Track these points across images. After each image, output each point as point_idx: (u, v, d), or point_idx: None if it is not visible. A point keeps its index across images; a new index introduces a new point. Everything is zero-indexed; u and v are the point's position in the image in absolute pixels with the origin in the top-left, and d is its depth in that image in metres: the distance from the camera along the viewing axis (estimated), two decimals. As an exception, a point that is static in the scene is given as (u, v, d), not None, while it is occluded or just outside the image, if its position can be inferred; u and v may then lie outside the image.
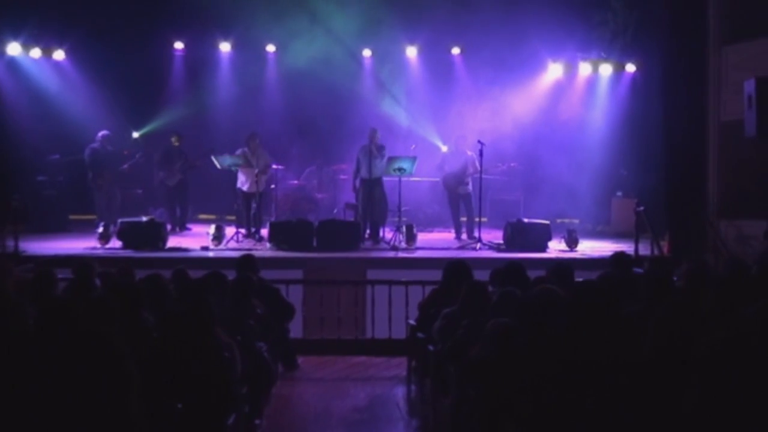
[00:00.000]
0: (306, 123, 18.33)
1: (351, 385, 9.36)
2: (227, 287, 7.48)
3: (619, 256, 9.03)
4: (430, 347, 7.52)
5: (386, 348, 10.71)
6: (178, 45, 18.48)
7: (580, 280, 7.84)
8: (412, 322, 9.14)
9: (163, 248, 13.68)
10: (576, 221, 16.97)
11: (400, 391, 9.11)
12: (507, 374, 5.07)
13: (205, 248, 13.74)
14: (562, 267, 8.17)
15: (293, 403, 8.60)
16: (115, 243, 13.61)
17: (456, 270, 8.30)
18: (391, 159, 14.50)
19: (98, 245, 13.56)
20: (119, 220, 14.06)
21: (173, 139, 16.48)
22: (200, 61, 18.64)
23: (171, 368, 5.08)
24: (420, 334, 8.26)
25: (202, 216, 18.40)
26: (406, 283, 10.93)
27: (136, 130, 18.54)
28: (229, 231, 14.47)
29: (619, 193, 17.36)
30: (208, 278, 7.47)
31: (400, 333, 10.56)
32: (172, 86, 18.81)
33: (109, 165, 16.20)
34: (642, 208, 13.33)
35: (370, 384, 9.41)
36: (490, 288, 7.56)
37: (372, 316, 11.11)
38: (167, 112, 18.36)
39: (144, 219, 14.06)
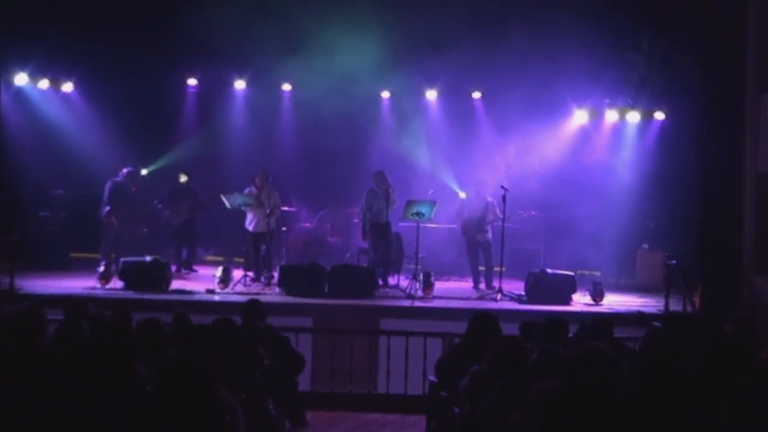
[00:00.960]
0: (321, 164, 17.78)
1: (363, 447, 8.60)
2: (235, 335, 6.74)
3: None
4: (456, 409, 6.76)
5: (401, 405, 10.00)
6: (192, 81, 17.96)
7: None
8: (432, 378, 8.38)
9: (166, 290, 13.09)
10: (597, 273, 16.21)
11: (418, 455, 8.33)
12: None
13: (210, 291, 13.11)
14: (603, 322, 7.43)
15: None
16: (117, 283, 13.05)
17: (483, 323, 7.56)
18: (410, 203, 13.95)
19: (98, 285, 12.97)
20: (122, 260, 13.39)
21: (181, 177, 15.93)
22: (214, 98, 18.12)
23: (164, 430, 4.35)
24: (442, 393, 7.50)
25: (210, 258, 17.70)
26: (425, 335, 10.23)
27: (145, 166, 17.78)
28: (237, 274, 13.82)
29: (646, 246, 16.65)
30: (215, 325, 6.74)
31: (416, 389, 9.98)
32: (184, 123, 18.29)
33: (128, 202, 15.55)
34: (674, 261, 12.63)
35: (384, 446, 8.65)
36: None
37: (386, 369, 10.35)
38: (178, 149, 17.76)
39: (148, 258, 13.34)
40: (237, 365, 6.32)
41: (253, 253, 14.41)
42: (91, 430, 4.68)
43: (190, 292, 13.07)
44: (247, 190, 14.25)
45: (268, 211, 14.03)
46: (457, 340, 8.47)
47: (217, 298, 12.80)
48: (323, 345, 10.77)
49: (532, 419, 4.62)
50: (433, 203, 13.96)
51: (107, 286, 12.91)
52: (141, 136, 17.21)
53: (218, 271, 13.38)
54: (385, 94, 18.10)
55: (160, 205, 15.89)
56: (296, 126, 18.05)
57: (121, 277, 12.95)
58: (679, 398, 4.16)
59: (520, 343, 6.35)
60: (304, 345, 10.21)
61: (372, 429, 9.31)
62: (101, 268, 13.07)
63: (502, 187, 13.58)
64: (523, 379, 5.46)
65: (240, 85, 17.93)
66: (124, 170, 15.41)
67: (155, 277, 13.04)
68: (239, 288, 13.40)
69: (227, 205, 14.14)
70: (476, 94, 18.06)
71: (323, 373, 10.49)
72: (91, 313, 7.27)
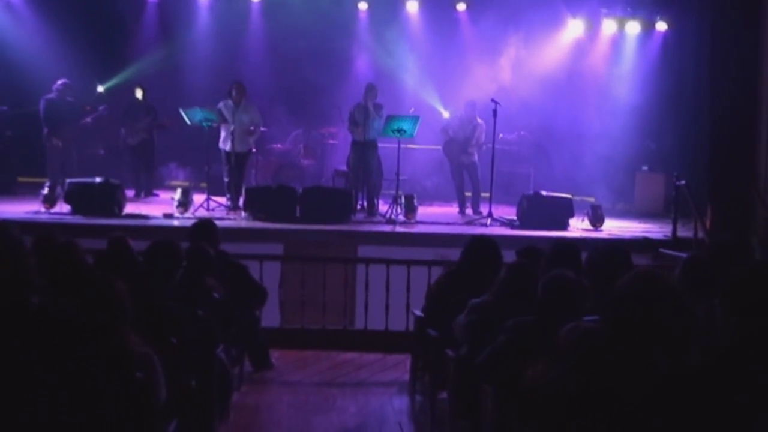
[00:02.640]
0: (292, 81, 16.66)
1: (338, 393, 7.34)
2: (174, 263, 5.40)
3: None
4: (449, 352, 5.50)
5: (381, 342, 8.79)
6: (152, -10, 16.69)
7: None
8: (417, 312, 7.14)
9: (118, 215, 11.75)
10: (591, 199, 15.02)
11: (401, 403, 7.11)
12: (598, 408, 3.10)
13: (168, 216, 11.81)
14: (619, 248, 6.12)
15: (260, 420, 6.56)
16: (63, 207, 11.70)
17: (482, 248, 6.27)
18: (390, 118, 12.65)
19: (42, 209, 11.61)
20: (68, 181, 12.05)
21: (137, 92, 14.64)
22: (175, 10, 16.84)
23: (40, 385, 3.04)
24: (431, 331, 6.24)
25: (174, 183, 16.36)
26: (408, 263, 8.95)
27: (101, 83, 16.47)
28: (199, 198, 12.48)
29: (645, 168, 15.46)
30: (149, 251, 5.41)
31: (398, 324, 8.80)
32: (144, 36, 16.99)
33: (67, 119, 14.16)
34: (683, 182, 11.39)
35: (362, 391, 7.44)
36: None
37: (365, 302, 9.06)
38: (137, 64, 16.42)
39: (97, 180, 11.98)
40: (177, 300, 5.00)
41: (229, 175, 12.99)
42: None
43: (145, 217, 11.76)
44: (221, 104, 12.91)
45: (232, 128, 12.61)
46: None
47: (175, 223, 11.45)
48: (293, 274, 9.47)
49: (565, 371, 3.34)
50: (415, 119, 12.71)
51: (52, 210, 11.55)
52: (97, 50, 15.87)
53: (177, 194, 12.06)
54: (362, 5, 16.96)
55: (88, 120, 14.60)
56: (265, 39, 16.95)
57: (67, 201, 11.61)
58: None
59: (532, 273, 5.05)
60: (272, 275, 9.01)
61: (348, 371, 8.07)
62: (45, 191, 11.69)
63: (493, 100, 12.29)
64: (543, 317, 4.19)
65: (203, -4, 16.64)
66: (58, 83, 14.01)
67: (106, 201, 11.71)
68: (201, 212, 12.08)
69: (187, 121, 12.77)
70: (461, 6, 16.91)
71: (293, 306, 9.21)
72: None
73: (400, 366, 8.03)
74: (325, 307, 9.07)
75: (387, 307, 8.85)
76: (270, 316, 8.78)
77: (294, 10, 15.84)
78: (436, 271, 8.38)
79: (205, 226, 7.01)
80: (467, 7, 16.87)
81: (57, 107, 13.91)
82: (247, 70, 16.02)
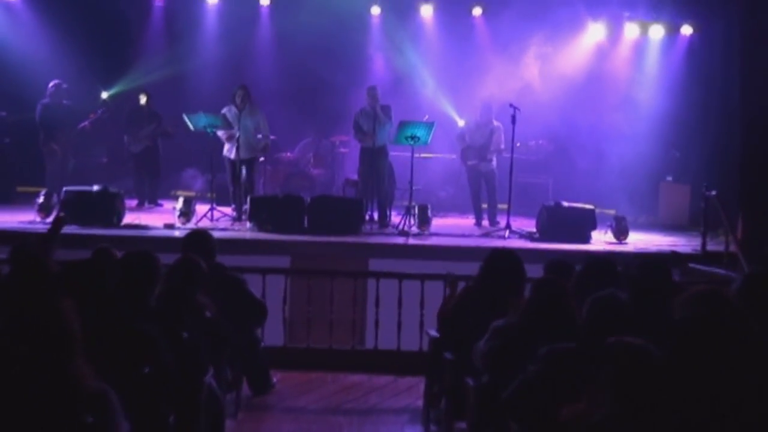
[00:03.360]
0: (303, 88, 16.17)
1: (344, 421, 6.72)
2: (156, 277, 4.78)
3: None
4: (469, 381, 4.87)
5: (393, 363, 8.15)
6: (158, -7, 16.30)
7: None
8: (433, 332, 6.51)
9: (117, 224, 11.22)
10: (612, 211, 14.38)
11: (415, 434, 6.47)
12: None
13: (169, 226, 11.27)
14: (659, 264, 5.48)
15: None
16: (59, 216, 11.02)
17: (503, 262, 5.65)
18: (403, 124, 12.06)
19: (38, 218, 11.11)
20: (64, 189, 11.50)
21: (141, 98, 14.06)
22: (182, 13, 16.33)
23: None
24: (447, 354, 5.62)
25: (181, 193, 15.81)
26: (423, 277, 8.31)
27: (106, 89, 15.94)
28: (204, 208, 11.99)
29: (669, 178, 14.87)
30: (126, 263, 4.80)
31: (412, 343, 8.17)
32: (150, 40, 16.49)
33: (64, 123, 13.56)
34: (714, 192, 10.74)
35: (370, 419, 6.80)
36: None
37: (375, 319, 8.42)
38: (142, 70, 15.91)
39: (95, 188, 11.44)
40: (156, 320, 4.38)
41: (233, 185, 12.46)
42: None
43: (145, 227, 11.21)
44: (225, 110, 12.35)
45: (237, 134, 12.03)
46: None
47: (176, 233, 10.79)
48: (299, 290, 8.89)
49: (624, 412, 2.71)
50: (430, 125, 12.11)
51: (48, 220, 10.94)
52: (100, 54, 15.41)
53: (179, 203, 11.51)
54: (375, 11, 16.44)
55: (86, 124, 13.94)
56: (275, 45, 16.50)
57: (63, 209, 11.01)
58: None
59: (563, 290, 4.41)
60: (275, 290, 8.34)
61: (356, 395, 7.44)
62: (40, 199, 11.16)
63: (512, 105, 11.70)
64: (586, 345, 3.57)
65: (212, -1, 16.18)
66: (50, 85, 13.48)
67: (104, 210, 11.19)
68: (206, 223, 11.48)
69: (190, 127, 12.25)
70: (476, 11, 16.39)
71: (298, 324, 8.61)
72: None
73: (413, 390, 7.42)
74: (333, 324, 8.45)
75: (399, 325, 8.23)
76: (274, 335, 8.19)
77: (304, 15, 15.28)
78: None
79: (198, 236, 6.39)
80: (483, 11, 16.34)
81: (53, 111, 13.36)
82: (255, 75, 15.65)
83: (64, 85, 13.59)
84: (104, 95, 15.82)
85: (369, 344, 8.69)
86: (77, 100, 14.06)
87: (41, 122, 13.36)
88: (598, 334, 3.59)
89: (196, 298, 5.13)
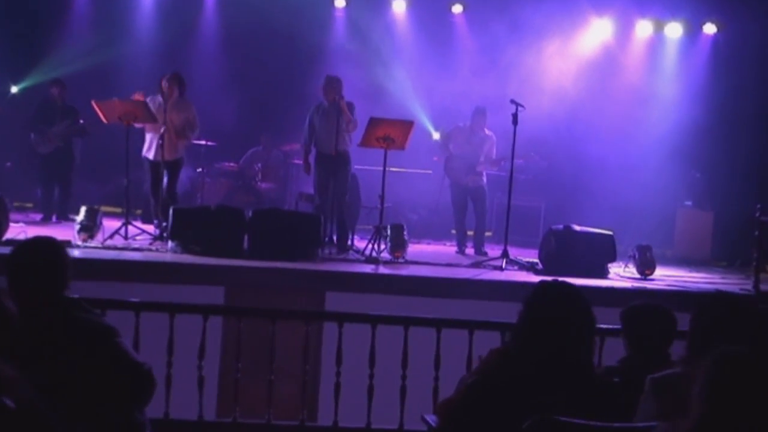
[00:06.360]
0: (252, 88, 15.01)
1: None
2: None
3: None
4: None
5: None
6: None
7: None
8: (429, 419, 4.04)
9: (-1, 241, 9.19)
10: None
11: None
12: None
13: (65, 244, 8.77)
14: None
15: None
16: None
17: (567, 302, 3.41)
18: (374, 122, 10.06)
19: None
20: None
21: (53, 90, 12.48)
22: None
23: None
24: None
25: (106, 208, 13.83)
26: (406, 321, 5.84)
27: (15, 83, 14.76)
28: (112, 223, 10.00)
29: (689, 203, 13.39)
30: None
31: (389, 419, 5.79)
32: (71, 27, 15.15)
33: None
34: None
35: None
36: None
37: (334, 381, 5.91)
38: (61, 61, 14.52)
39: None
40: None
41: (153, 192, 10.46)
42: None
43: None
44: (148, 99, 10.49)
45: (162, 129, 9.93)
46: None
47: (76, 253, 8.71)
48: (232, 336, 6.43)
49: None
50: (408, 124, 10.19)
51: None
52: (10, 42, 14.33)
53: (80, 214, 9.34)
54: (340, 3, 15.56)
55: None
56: (221, 38, 15.42)
57: None
58: None
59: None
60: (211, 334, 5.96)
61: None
62: None
63: (513, 101, 9.92)
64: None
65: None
66: None
67: (-18, 222, 9.16)
68: (118, 241, 9.48)
69: (103, 119, 10.19)
70: (456, 8, 15.40)
71: (230, 387, 6.13)
72: None
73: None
74: (274, 388, 5.88)
75: (371, 391, 5.70)
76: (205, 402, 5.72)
77: (257, 3, 14.21)
78: (451, 336, 5.44)
79: (32, 250, 3.85)
80: (464, 9, 15.28)
81: None
82: (195, 71, 14.31)
83: None
84: (14, 89, 14.77)
85: (324, 419, 6.28)
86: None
87: None
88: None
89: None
